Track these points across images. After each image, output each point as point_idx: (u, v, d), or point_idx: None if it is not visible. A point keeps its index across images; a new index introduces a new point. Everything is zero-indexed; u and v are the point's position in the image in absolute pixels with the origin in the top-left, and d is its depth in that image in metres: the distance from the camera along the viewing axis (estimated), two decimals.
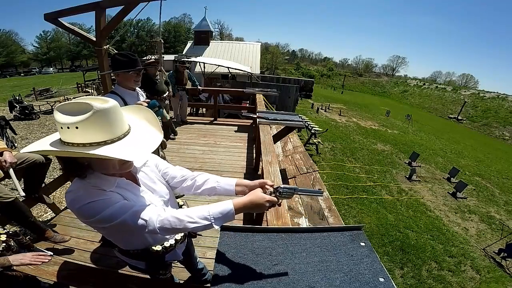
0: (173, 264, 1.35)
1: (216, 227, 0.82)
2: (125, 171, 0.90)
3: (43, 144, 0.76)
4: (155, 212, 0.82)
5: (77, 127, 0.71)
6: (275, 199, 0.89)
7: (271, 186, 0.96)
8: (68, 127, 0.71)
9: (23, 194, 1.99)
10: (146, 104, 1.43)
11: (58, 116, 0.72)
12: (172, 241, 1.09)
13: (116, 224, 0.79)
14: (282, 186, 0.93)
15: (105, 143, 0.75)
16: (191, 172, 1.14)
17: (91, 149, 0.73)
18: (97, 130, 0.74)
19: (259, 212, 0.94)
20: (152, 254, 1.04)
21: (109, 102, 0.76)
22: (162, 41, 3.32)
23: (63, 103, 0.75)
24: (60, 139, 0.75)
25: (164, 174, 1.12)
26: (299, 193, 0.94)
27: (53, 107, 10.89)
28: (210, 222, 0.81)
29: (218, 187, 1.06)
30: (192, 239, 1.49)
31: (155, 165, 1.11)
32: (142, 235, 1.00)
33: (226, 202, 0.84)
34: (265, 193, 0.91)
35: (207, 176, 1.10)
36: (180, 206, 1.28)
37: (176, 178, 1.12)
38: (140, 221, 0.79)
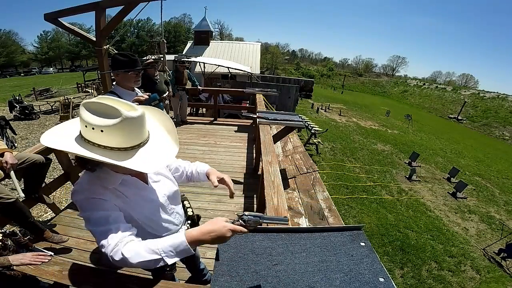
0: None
1: (170, 261, 0.75)
2: (134, 173, 0.93)
3: (67, 141, 0.76)
4: (116, 240, 0.78)
5: (102, 130, 0.72)
6: (239, 227, 0.79)
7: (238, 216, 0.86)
8: (93, 128, 0.72)
9: (23, 195, 1.99)
10: (147, 97, 1.43)
11: (85, 114, 0.73)
12: None
13: (88, 228, 0.82)
14: (246, 213, 0.84)
15: (125, 149, 0.77)
16: (182, 161, 1.26)
17: (109, 152, 0.75)
18: (120, 136, 0.75)
19: (221, 243, 0.83)
20: None
21: (138, 111, 0.77)
22: (165, 41, 3.29)
23: (90, 100, 0.75)
24: (81, 134, 0.77)
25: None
26: (264, 221, 0.86)
27: (53, 107, 10.89)
28: (160, 257, 0.75)
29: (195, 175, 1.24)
30: None
31: None
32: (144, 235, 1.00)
33: (177, 235, 0.78)
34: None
35: (188, 165, 1.25)
36: (182, 202, 1.29)
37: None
38: (102, 241, 0.79)
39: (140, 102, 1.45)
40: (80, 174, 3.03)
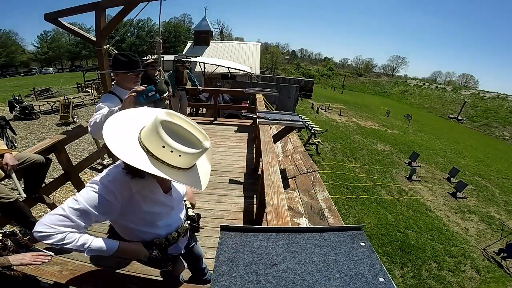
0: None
1: (86, 253, 0.88)
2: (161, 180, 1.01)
3: (136, 154, 0.81)
4: (61, 228, 0.82)
5: (180, 155, 0.79)
6: (147, 254, 1.04)
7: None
8: (171, 151, 0.78)
9: (24, 195, 1.99)
10: (143, 88, 1.44)
11: (166, 137, 0.77)
12: (175, 234, 1.13)
13: (66, 204, 0.86)
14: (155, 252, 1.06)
15: (187, 169, 0.86)
16: None
17: (174, 171, 0.82)
18: (190, 160, 0.85)
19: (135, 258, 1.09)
20: (155, 246, 1.08)
21: (209, 141, 0.86)
22: (162, 41, 3.27)
23: (168, 119, 0.79)
24: (147, 148, 0.81)
25: None
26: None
27: (53, 107, 10.89)
28: (84, 250, 0.87)
29: None
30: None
31: None
32: (140, 230, 1.05)
33: (113, 244, 0.95)
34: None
35: None
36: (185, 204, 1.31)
37: None
38: (55, 218, 0.82)
39: (137, 93, 1.46)
40: (79, 175, 3.03)
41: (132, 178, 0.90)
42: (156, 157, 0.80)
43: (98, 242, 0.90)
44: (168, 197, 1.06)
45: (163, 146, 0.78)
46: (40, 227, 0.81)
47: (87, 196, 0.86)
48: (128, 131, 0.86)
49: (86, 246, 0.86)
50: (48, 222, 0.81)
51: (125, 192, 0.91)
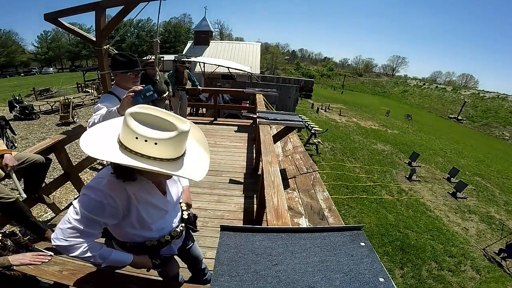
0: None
1: (104, 265, 0.95)
2: (157, 180, 1.00)
3: (113, 152, 0.77)
4: (78, 239, 0.86)
5: (156, 143, 0.74)
6: (151, 265, 1.12)
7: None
8: (145, 140, 0.73)
9: (24, 195, 1.99)
10: (141, 88, 1.43)
11: (137, 126, 0.73)
12: (168, 237, 1.13)
13: (69, 215, 0.87)
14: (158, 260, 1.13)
15: (173, 160, 0.80)
16: None
17: (156, 163, 0.76)
18: (172, 149, 0.78)
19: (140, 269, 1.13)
20: (147, 248, 1.09)
21: (187, 124, 0.80)
22: (159, 42, 3.24)
23: (138, 111, 0.75)
24: (124, 145, 0.77)
25: None
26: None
27: (53, 107, 10.89)
28: (101, 261, 0.93)
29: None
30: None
31: None
32: (131, 232, 1.04)
33: (128, 256, 1.02)
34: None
35: None
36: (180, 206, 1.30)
37: None
38: (67, 231, 0.85)
39: (135, 93, 1.46)
40: (79, 175, 3.03)
41: (124, 182, 0.88)
42: (134, 151, 0.75)
43: (115, 256, 0.97)
44: (164, 200, 1.05)
45: (136, 138, 0.73)
46: (59, 242, 0.84)
47: (85, 205, 0.85)
48: (107, 135, 0.84)
49: (105, 259, 0.93)
50: (64, 236, 0.84)
51: (122, 194, 0.89)
